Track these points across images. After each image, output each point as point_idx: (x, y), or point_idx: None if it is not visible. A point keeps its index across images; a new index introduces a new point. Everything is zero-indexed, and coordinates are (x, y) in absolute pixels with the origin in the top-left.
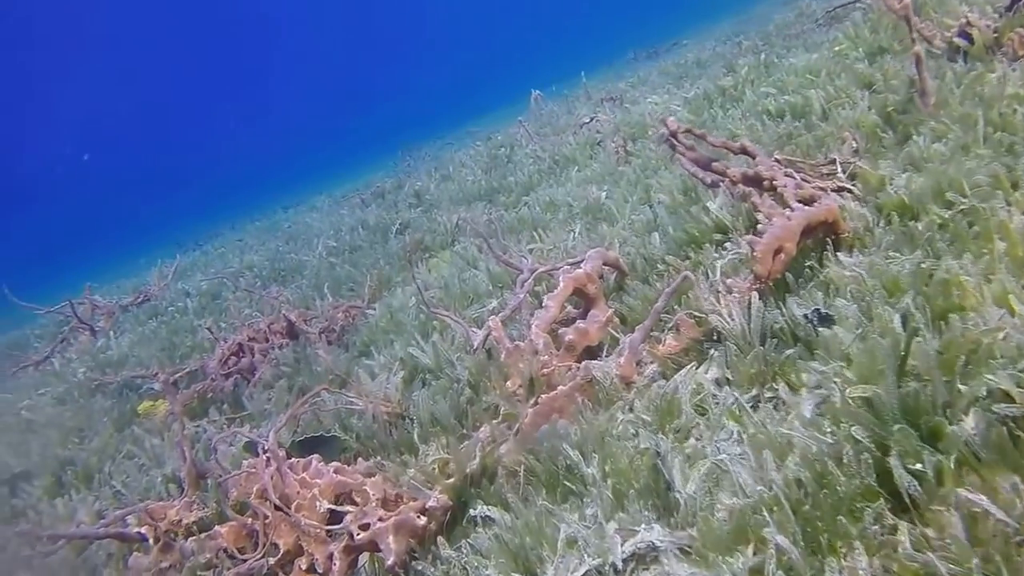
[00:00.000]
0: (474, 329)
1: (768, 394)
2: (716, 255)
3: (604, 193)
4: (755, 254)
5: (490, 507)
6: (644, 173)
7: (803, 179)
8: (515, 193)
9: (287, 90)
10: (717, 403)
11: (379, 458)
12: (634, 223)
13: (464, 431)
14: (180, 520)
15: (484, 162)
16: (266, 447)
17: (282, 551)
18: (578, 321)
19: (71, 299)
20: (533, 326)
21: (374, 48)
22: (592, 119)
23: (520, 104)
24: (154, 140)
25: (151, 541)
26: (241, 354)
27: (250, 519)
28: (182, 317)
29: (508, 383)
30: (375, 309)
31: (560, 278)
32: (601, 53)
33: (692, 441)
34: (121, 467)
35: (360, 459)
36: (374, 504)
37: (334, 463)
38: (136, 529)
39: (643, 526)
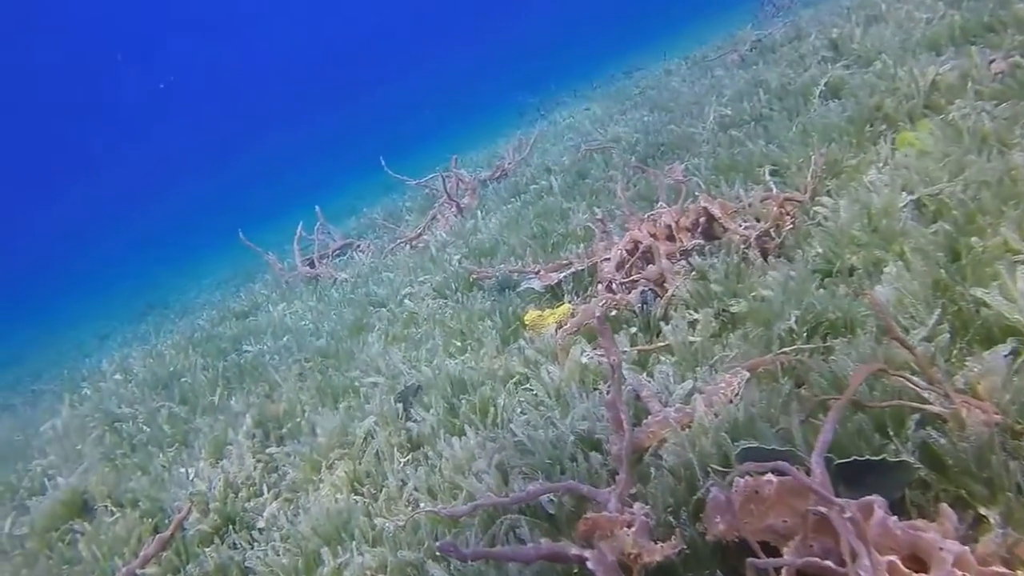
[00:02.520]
0: None
1: None
2: None
3: None
4: None
5: None
6: None
7: None
8: None
9: None
10: None
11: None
12: None
13: None
14: (638, 555)
15: None
16: (812, 486)
17: None
18: None
19: (440, 171)
20: None
21: None
22: None
23: None
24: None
25: None
26: (639, 256)
27: None
28: (547, 197)
29: None
30: (826, 205)
31: None
32: None
33: None
34: (517, 410)
35: (944, 505)
36: None
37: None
38: (575, 551)
39: None
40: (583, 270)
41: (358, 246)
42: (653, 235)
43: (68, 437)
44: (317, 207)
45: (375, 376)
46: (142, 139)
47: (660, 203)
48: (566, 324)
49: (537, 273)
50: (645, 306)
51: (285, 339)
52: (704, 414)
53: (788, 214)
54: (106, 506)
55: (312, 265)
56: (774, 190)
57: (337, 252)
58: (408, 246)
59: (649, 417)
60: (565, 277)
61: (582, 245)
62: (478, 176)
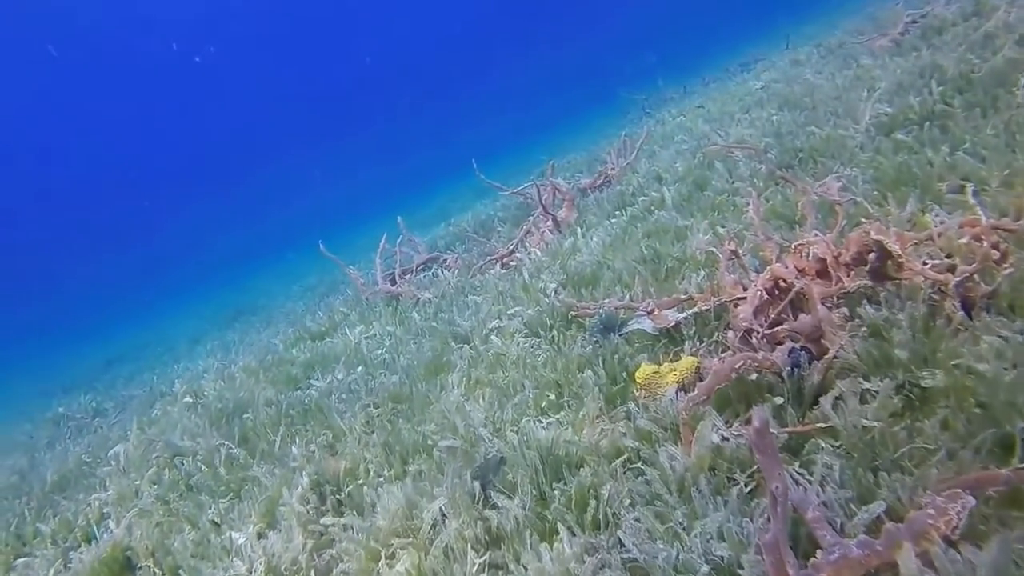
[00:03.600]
0: None
1: None
2: None
3: None
4: None
5: None
6: None
7: None
8: None
9: None
10: None
11: None
12: None
13: None
14: None
15: None
16: None
17: None
18: None
19: (535, 180)
20: None
21: None
22: None
23: None
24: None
25: None
26: (782, 298)
27: None
28: (658, 212)
29: None
30: None
31: None
32: None
33: None
34: (626, 501)
35: None
36: None
37: None
38: None
39: None
40: (707, 309)
41: (444, 260)
42: (801, 270)
43: (127, 473)
44: (399, 218)
45: (450, 438)
46: (270, 157)
47: (809, 228)
48: (690, 387)
49: (649, 312)
50: (796, 369)
51: (359, 370)
52: (909, 560)
53: (999, 250)
54: (148, 566)
55: (393, 281)
56: (981, 215)
57: (421, 267)
58: (498, 264)
59: (821, 554)
60: (685, 318)
61: (702, 272)
62: (577, 184)
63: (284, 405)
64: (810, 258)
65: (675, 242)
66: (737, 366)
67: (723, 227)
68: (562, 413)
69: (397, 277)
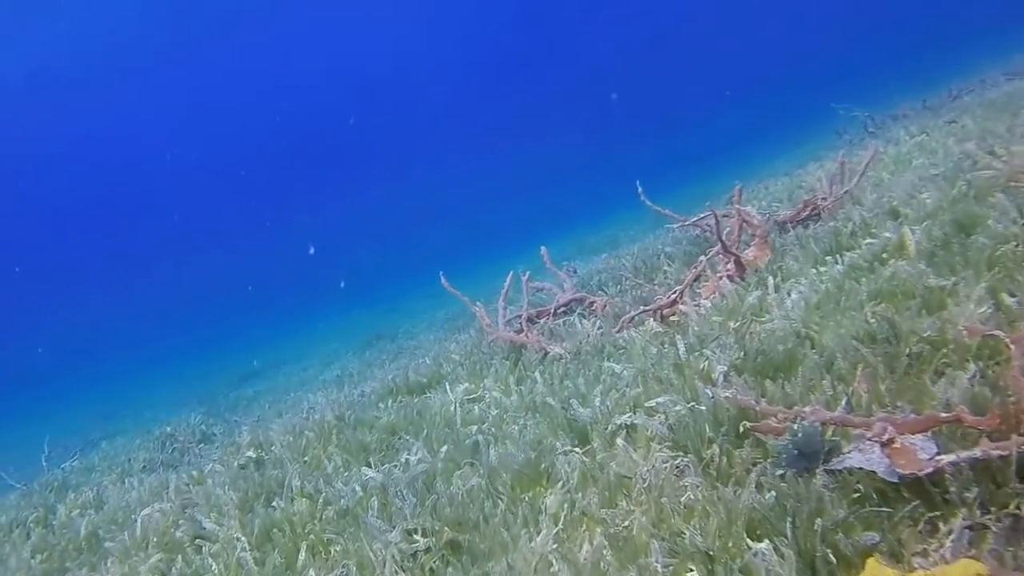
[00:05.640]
0: None
1: None
2: None
3: None
4: None
5: None
6: None
7: None
8: None
9: None
10: None
11: None
12: None
13: None
14: None
15: None
16: None
17: None
18: None
19: (713, 207)
20: None
21: None
22: None
23: None
24: None
25: None
26: None
27: None
28: (895, 262)
29: None
30: None
31: None
32: None
33: None
34: None
35: None
36: None
37: None
38: None
39: None
40: (1000, 452)
41: (592, 304)
42: None
43: (130, 555)
44: (543, 248)
45: None
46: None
47: None
48: None
49: (883, 439)
50: None
51: (443, 451)
52: None
53: None
54: None
55: (522, 328)
56: None
57: (563, 309)
58: (656, 316)
59: None
60: (955, 463)
61: (975, 369)
62: (774, 216)
63: (321, 499)
64: None
65: (924, 312)
66: None
67: (1012, 295)
68: None
69: (526, 321)
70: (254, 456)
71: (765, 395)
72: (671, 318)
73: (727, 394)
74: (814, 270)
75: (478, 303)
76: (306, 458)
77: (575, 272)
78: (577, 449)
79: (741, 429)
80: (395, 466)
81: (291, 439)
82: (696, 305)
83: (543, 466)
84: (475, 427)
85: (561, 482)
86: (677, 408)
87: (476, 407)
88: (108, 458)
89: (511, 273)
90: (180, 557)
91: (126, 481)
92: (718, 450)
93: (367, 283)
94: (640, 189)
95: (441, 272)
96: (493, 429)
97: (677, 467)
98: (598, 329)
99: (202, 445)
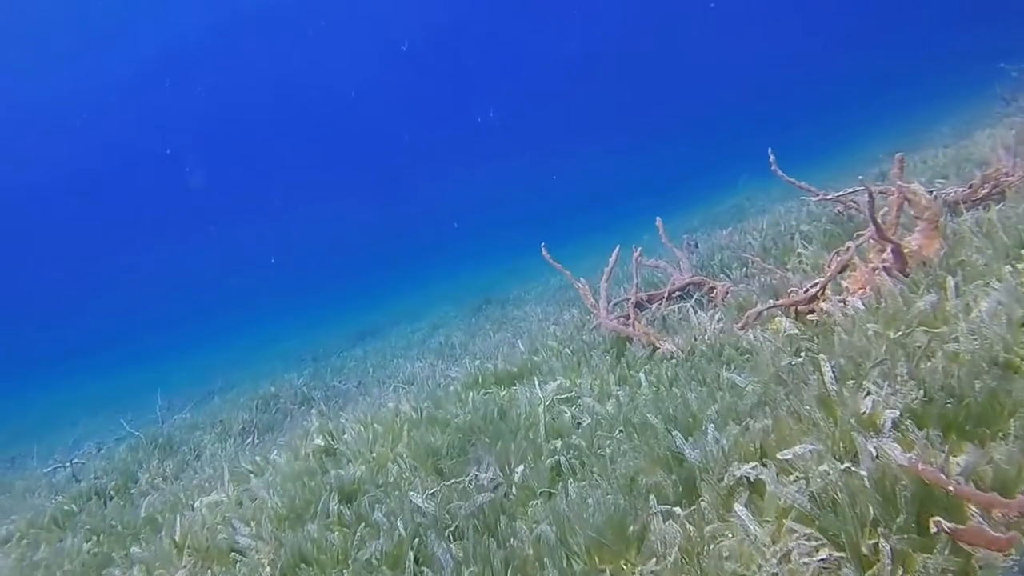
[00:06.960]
0: None
1: None
2: None
3: None
4: None
5: None
6: None
7: None
8: None
9: None
10: None
11: None
12: None
13: None
14: None
15: None
16: None
17: None
18: None
19: (864, 178)
20: None
21: None
22: None
23: None
24: None
25: None
26: None
27: None
28: None
29: None
30: None
31: None
32: None
33: None
34: None
35: None
36: None
37: None
38: None
39: None
40: None
41: (711, 289)
42: None
43: (153, 568)
44: (658, 219)
45: None
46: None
47: None
48: None
49: None
50: None
51: (518, 473)
52: None
53: None
54: None
55: (629, 314)
56: None
57: (678, 293)
58: (790, 312)
59: None
60: None
61: None
62: (943, 193)
63: (359, 532)
64: None
65: None
66: None
67: None
68: None
69: (634, 307)
70: (323, 445)
71: (952, 459)
72: (808, 316)
73: (904, 459)
74: (1008, 267)
75: (581, 279)
76: (373, 454)
77: (696, 247)
78: (679, 509)
79: (920, 516)
80: (460, 483)
81: (361, 429)
82: (842, 303)
83: (631, 528)
84: (560, 442)
85: (655, 559)
86: (823, 468)
87: (567, 411)
88: (213, 414)
89: (617, 248)
90: (209, 572)
91: (223, 443)
92: (889, 550)
93: (489, 246)
94: (772, 158)
95: (543, 244)
96: (583, 443)
97: (823, 566)
98: (718, 322)
99: (303, 407)
